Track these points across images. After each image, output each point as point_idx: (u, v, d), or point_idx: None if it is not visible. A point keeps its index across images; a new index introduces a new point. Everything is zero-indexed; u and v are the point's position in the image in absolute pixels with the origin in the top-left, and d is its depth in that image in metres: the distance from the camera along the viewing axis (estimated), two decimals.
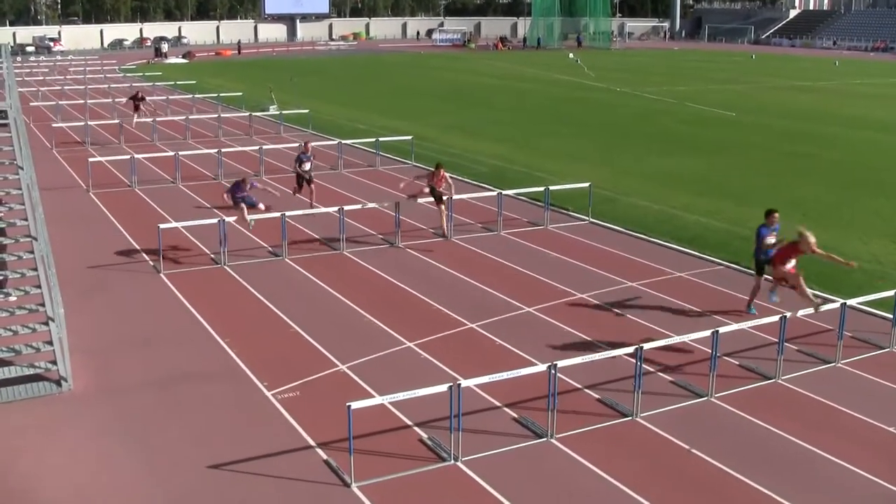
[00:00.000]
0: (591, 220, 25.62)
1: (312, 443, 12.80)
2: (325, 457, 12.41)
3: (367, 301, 18.69)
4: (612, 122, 47.17)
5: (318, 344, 16.40)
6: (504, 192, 25.55)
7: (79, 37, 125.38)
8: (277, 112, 45.40)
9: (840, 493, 11.79)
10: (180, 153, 31.43)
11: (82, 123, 40.05)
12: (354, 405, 11.51)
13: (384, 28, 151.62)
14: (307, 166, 26.16)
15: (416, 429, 13.23)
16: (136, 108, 42.96)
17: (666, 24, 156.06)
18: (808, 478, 12.12)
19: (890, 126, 46.94)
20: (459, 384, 12.24)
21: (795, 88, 66.99)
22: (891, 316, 16.87)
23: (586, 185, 26.31)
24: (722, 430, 13.47)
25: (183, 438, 13.04)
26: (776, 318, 15.24)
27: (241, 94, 53.16)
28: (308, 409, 13.84)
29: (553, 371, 12.81)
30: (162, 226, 21.17)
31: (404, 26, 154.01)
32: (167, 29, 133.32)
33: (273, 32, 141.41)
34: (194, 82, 61.94)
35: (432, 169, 23.82)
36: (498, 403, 14.06)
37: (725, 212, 26.82)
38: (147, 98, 45.14)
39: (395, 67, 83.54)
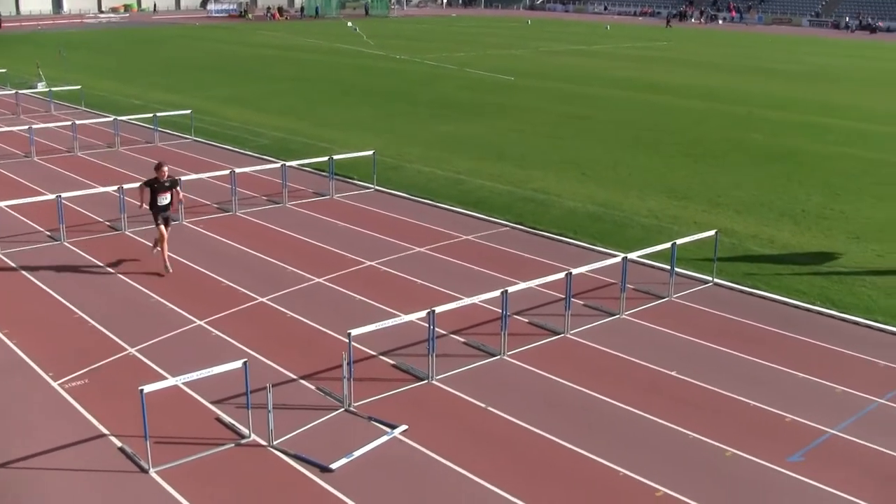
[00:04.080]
0: (377, 187, 25.74)
1: (105, 431, 12.39)
2: (119, 444, 12.05)
3: (153, 281, 18.19)
4: (395, 90, 47.36)
5: (105, 328, 15.85)
6: (288, 164, 25.29)
7: None
8: (46, 89, 43.35)
9: (627, 436, 12.35)
10: None
11: None
12: (147, 388, 11.21)
13: None
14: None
15: (212, 408, 13.02)
16: (154, 208, 18.61)
17: None
18: (598, 425, 12.63)
19: (660, 87, 49.11)
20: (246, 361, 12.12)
21: (570, 52, 69.04)
22: (668, 267, 17.81)
23: (370, 153, 26.40)
24: (515, 386, 13.85)
25: None
26: (562, 274, 15.78)
27: (4, 70, 50.49)
28: (98, 397, 13.38)
29: (348, 340, 12.86)
30: None
31: None
32: None
33: (37, 5, 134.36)
34: None
35: None
36: (294, 376, 14.00)
37: (508, 174, 27.45)
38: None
39: (169, 40, 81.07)
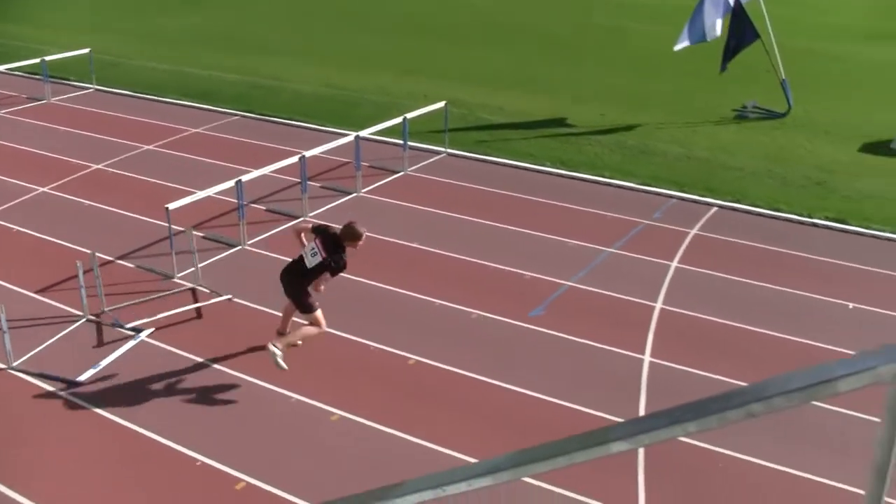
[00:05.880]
0: (97, 87, 24.56)
1: None
2: None
3: None
4: None
5: None
6: None
7: None
8: None
9: (376, 311, 12.59)
10: None
11: None
12: None
13: None
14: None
15: None
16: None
17: None
18: (344, 303, 12.72)
19: None
20: None
21: None
22: (401, 142, 18.02)
23: (86, 51, 25.06)
24: (258, 274, 13.69)
25: None
26: (295, 158, 15.68)
27: None
28: None
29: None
30: None
31: None
32: None
33: None
34: None
35: None
36: (29, 293, 13.31)
37: (234, 64, 26.78)
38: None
39: None
